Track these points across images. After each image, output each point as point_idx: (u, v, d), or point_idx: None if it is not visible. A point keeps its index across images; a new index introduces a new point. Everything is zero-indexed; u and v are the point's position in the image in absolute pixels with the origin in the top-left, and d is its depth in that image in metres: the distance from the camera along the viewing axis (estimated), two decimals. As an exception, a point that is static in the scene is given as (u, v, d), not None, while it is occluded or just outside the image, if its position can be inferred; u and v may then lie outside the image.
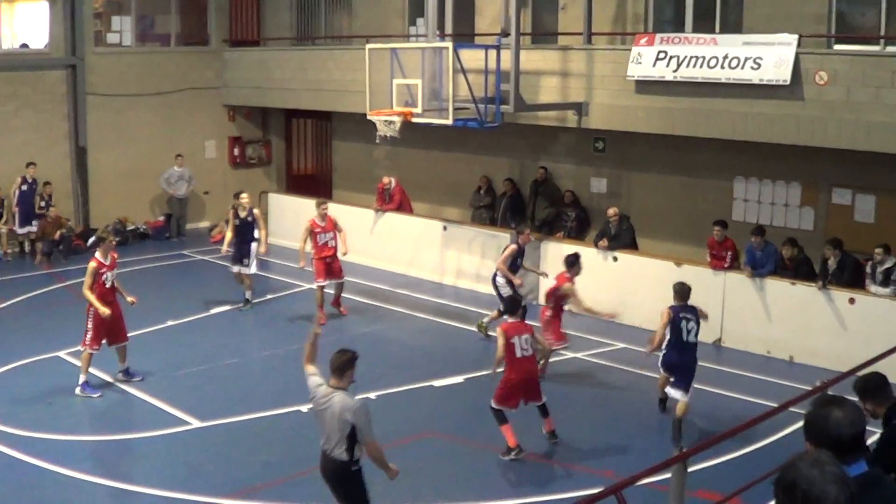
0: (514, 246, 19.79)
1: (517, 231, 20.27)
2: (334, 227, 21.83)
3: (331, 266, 21.75)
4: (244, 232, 22.52)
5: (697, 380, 17.25)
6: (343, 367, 10.91)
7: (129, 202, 29.98)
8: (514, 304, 15.17)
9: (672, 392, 15.69)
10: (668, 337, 15.58)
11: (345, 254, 21.96)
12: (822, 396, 6.81)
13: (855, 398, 8.31)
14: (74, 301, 22.44)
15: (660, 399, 16.62)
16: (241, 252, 22.55)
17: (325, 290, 21.75)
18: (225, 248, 22.73)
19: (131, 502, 13.45)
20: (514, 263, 19.79)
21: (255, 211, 22.82)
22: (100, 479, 13.94)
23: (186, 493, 13.46)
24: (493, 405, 14.50)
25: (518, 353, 14.26)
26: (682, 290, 15.98)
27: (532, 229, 23.36)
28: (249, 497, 13.40)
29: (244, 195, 22.83)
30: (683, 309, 15.76)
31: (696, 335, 15.73)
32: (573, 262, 18.09)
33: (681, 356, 15.61)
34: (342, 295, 22.33)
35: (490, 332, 19.77)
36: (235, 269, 22.62)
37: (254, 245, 22.59)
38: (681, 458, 10.11)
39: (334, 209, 27.49)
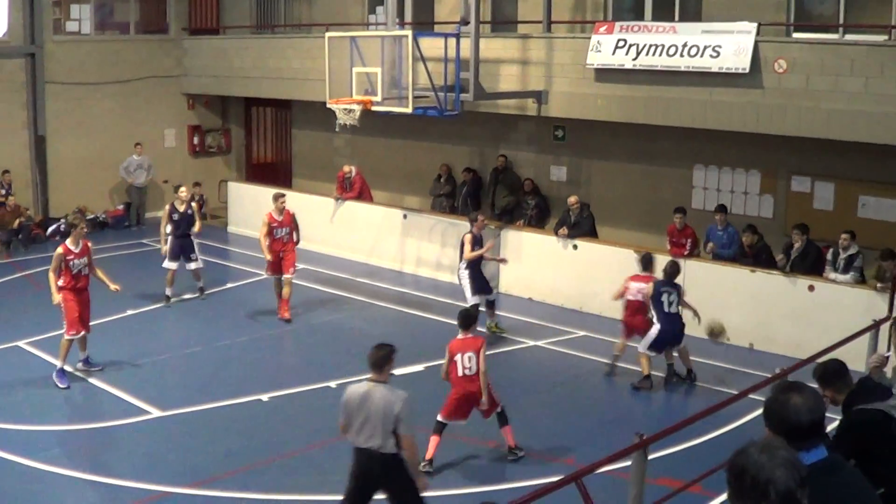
0: (469, 235, 19.64)
1: (471, 219, 20.22)
2: (291, 222, 21.24)
3: (282, 261, 21.06)
4: (185, 226, 22.11)
5: (656, 367, 17.39)
6: (382, 361, 10.91)
7: (89, 191, 29.80)
8: (466, 320, 14.47)
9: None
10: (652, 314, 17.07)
11: (296, 243, 21.44)
12: (781, 383, 6.85)
13: (814, 385, 8.36)
14: (34, 291, 22.38)
15: (645, 377, 17.21)
16: (183, 247, 22.11)
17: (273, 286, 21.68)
18: (164, 248, 22.17)
19: (93, 492, 13.36)
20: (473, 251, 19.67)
21: (194, 204, 22.64)
22: (61, 469, 13.84)
23: (148, 483, 13.41)
24: (440, 419, 14.24)
25: (460, 372, 13.90)
26: (672, 270, 17.44)
27: (492, 217, 23.44)
28: (211, 486, 13.35)
29: (183, 189, 22.54)
30: (665, 284, 17.07)
31: (677, 306, 17.08)
32: (650, 261, 18.17)
33: (672, 325, 17.06)
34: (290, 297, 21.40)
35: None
36: (174, 265, 21.98)
37: (194, 239, 22.31)
38: (641, 446, 10.14)
39: (295, 198, 27.48)
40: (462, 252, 19.57)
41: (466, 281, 19.58)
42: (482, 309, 19.40)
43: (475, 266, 19.69)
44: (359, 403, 10.80)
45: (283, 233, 21.10)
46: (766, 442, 4.31)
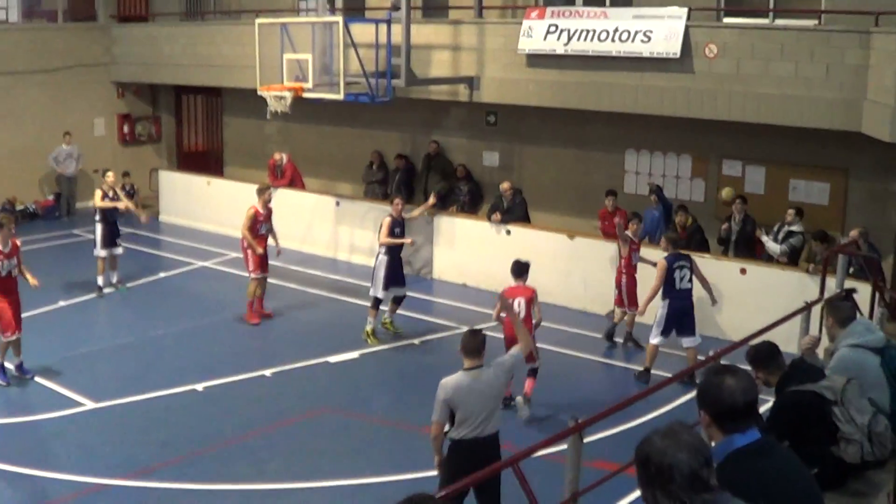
0: (388, 218, 19.24)
1: (390, 201, 20.13)
2: (270, 217, 20.41)
3: (266, 258, 20.30)
4: (114, 212, 21.79)
5: (592, 351, 17.47)
6: (481, 345, 10.95)
7: (18, 182, 29.37)
8: (519, 268, 15.66)
9: (685, 342, 16.81)
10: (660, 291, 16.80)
11: (279, 253, 20.59)
12: (714, 365, 6.91)
13: (747, 368, 8.44)
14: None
15: (645, 369, 17.03)
16: (112, 233, 21.81)
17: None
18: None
19: (26, 485, 13.23)
20: (393, 234, 19.23)
21: (120, 193, 22.17)
22: (-7, 463, 13.76)
23: (82, 475, 13.31)
24: None
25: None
26: (678, 238, 17.60)
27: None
28: (146, 477, 13.28)
29: (110, 174, 22.04)
30: (678, 258, 16.80)
31: (690, 280, 16.81)
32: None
33: (682, 302, 16.74)
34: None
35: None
36: (104, 252, 21.65)
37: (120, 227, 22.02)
38: (576, 430, 10.18)
39: (226, 186, 27.40)
40: (379, 235, 19.30)
41: (382, 271, 18.95)
42: (384, 307, 19.24)
43: (394, 254, 19.15)
44: (477, 394, 10.70)
45: (266, 229, 20.33)
46: (669, 427, 4.35)
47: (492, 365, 10.91)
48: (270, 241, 20.34)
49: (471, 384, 10.71)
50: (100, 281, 21.80)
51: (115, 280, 22.16)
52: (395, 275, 19.16)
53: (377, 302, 18.84)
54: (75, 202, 30.31)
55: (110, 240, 21.74)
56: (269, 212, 20.28)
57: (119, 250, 21.99)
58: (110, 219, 21.75)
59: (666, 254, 16.94)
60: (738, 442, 5.19)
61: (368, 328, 18.87)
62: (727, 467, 5.14)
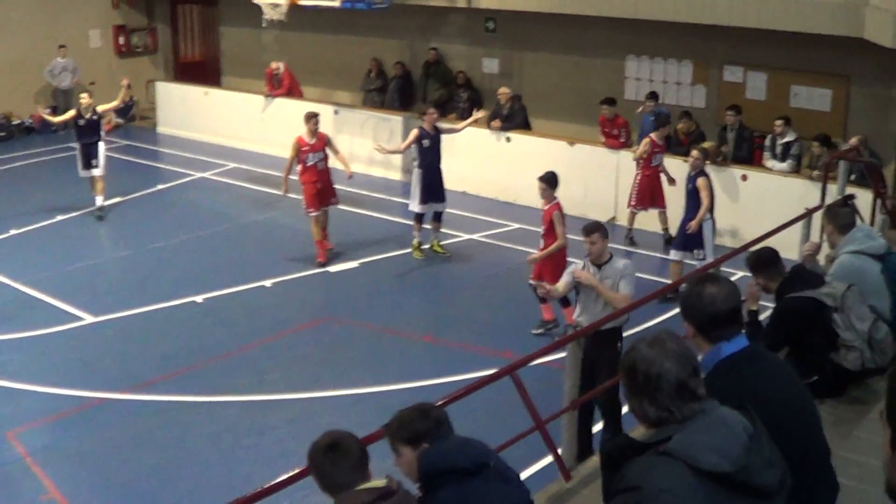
0: (416, 130, 18.64)
1: (421, 114, 19.73)
2: (325, 145, 18.49)
3: (322, 191, 18.46)
4: (90, 133, 21.05)
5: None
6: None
7: (13, 96, 29.13)
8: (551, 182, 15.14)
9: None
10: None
11: (350, 177, 19.15)
12: (697, 276, 6.87)
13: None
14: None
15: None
16: (88, 154, 21.03)
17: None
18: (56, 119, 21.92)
19: (27, 401, 13.27)
20: (421, 146, 18.53)
21: (100, 108, 21.29)
22: (-6, 378, 13.80)
23: (83, 390, 13.35)
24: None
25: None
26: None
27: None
28: (147, 390, 13.33)
29: (84, 96, 21.32)
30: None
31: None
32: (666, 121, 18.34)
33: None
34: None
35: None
36: (84, 174, 21.05)
37: (101, 145, 21.11)
38: (575, 337, 10.20)
39: (224, 96, 27.20)
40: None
41: (417, 186, 18.53)
42: (427, 225, 18.73)
43: (429, 165, 18.46)
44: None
45: (318, 158, 18.35)
46: (655, 336, 4.29)
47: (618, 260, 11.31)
48: (339, 165, 18.86)
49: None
50: (98, 201, 21.14)
51: (97, 204, 21.11)
52: (432, 188, 18.56)
53: (418, 217, 18.47)
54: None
55: (85, 161, 21.05)
56: (321, 140, 18.37)
57: (95, 172, 20.95)
58: (83, 139, 21.02)
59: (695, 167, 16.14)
60: (725, 350, 5.14)
61: (415, 241, 18.63)
62: (716, 375, 5.10)
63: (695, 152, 16.24)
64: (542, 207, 15.13)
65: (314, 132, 18.19)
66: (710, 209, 16.05)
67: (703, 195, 15.86)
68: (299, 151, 18.09)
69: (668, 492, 3.88)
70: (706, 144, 18.89)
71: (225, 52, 31.53)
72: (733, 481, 3.94)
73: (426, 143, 18.45)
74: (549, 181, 14.99)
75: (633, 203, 18.75)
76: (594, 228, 11.16)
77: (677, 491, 3.88)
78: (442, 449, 5.50)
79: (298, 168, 18.24)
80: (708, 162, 16.92)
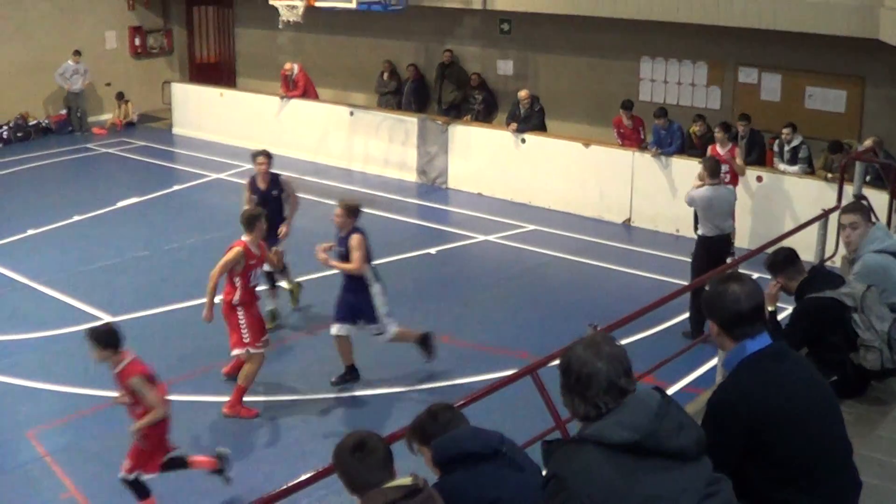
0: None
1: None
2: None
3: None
4: None
5: (608, 259, 17.47)
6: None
7: (30, 96, 29.22)
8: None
9: None
10: None
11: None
12: (720, 275, 6.91)
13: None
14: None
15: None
16: None
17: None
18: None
19: (46, 400, 13.34)
20: None
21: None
22: (13, 378, 13.86)
23: (101, 389, 13.35)
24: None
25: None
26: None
27: (439, 113, 23.35)
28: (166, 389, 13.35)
29: None
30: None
31: None
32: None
33: None
34: None
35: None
36: None
37: None
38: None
39: (238, 97, 27.25)
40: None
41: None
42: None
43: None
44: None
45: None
46: (591, 338, 4.49)
47: None
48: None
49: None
50: None
51: None
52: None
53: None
54: (87, 117, 30.13)
55: None
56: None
57: None
58: None
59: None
60: (749, 348, 5.24)
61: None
62: (741, 373, 5.21)
63: (338, 210, 13.84)
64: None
65: (258, 236, 13.43)
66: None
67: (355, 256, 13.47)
68: (244, 265, 13.17)
69: (580, 472, 4.14)
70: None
71: (240, 54, 31.62)
72: (644, 448, 4.12)
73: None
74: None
75: None
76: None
77: (589, 470, 4.13)
78: (452, 436, 5.62)
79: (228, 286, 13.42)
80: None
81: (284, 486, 6.72)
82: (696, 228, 15.44)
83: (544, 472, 4.45)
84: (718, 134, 18.03)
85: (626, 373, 4.35)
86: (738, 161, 17.85)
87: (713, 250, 14.46)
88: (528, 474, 5.69)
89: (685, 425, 4.27)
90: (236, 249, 12.98)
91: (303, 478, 6.87)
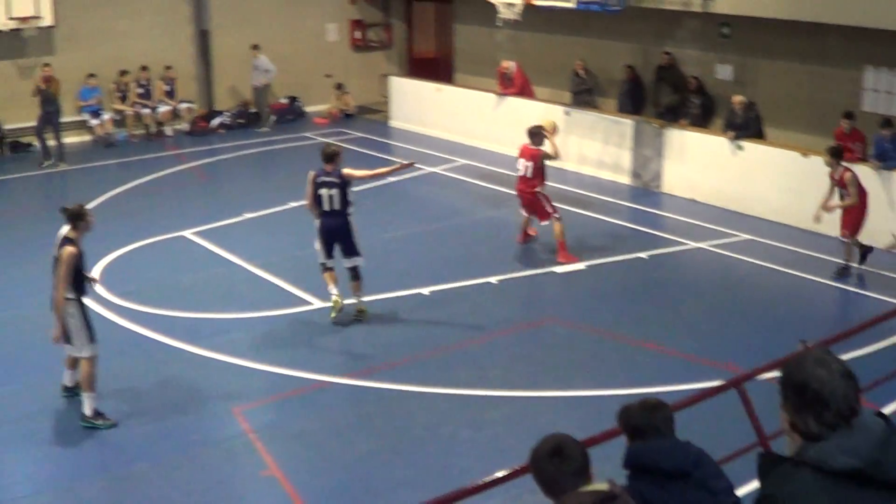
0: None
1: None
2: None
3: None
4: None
5: (822, 273, 17.12)
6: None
7: (249, 85, 29.97)
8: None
9: None
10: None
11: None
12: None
13: None
14: (199, 182, 22.91)
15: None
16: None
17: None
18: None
19: (254, 379, 13.69)
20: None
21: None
22: (224, 356, 14.27)
23: (308, 372, 13.69)
24: None
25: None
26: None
27: (654, 116, 23.16)
28: (370, 377, 13.59)
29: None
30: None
31: None
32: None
33: None
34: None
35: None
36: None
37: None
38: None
39: (456, 93, 27.50)
40: None
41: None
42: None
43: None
44: None
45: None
46: (818, 355, 4.32)
47: None
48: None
49: None
50: None
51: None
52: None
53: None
54: (302, 105, 30.81)
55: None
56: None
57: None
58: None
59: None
60: None
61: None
62: None
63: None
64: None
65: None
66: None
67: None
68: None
69: (795, 497, 4.04)
70: None
71: (458, 50, 31.89)
72: (866, 477, 3.99)
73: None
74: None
75: None
76: None
77: (806, 495, 4.02)
78: (651, 447, 5.59)
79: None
80: None
81: (480, 482, 6.76)
82: None
83: (758, 487, 4.36)
84: None
85: (857, 390, 4.23)
86: None
87: None
88: (722, 496, 5.63)
89: None
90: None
91: (498, 475, 6.90)
